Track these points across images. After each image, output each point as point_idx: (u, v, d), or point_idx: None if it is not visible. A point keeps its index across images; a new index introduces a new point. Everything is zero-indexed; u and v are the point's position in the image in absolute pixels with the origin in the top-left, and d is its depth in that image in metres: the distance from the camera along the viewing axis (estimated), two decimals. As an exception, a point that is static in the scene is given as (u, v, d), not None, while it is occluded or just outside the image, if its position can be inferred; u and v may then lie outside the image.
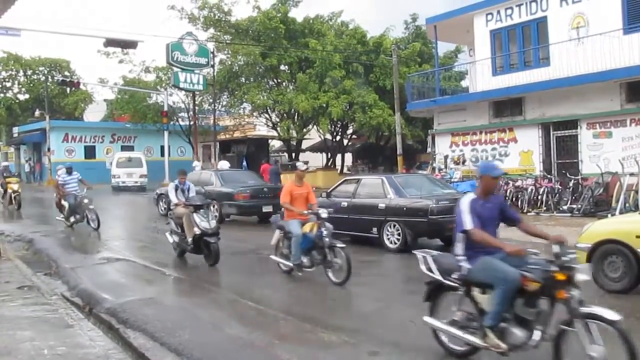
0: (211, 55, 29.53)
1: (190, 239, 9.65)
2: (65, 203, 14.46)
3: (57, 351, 5.26)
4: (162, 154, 33.02)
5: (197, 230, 9.39)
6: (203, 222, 9.37)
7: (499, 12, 19.34)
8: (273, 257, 8.90)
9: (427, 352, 5.30)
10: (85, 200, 13.96)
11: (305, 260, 8.21)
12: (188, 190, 10.65)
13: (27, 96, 48.23)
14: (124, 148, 40.91)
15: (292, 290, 7.88)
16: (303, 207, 8.52)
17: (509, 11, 19.04)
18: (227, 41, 31.00)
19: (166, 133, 30.95)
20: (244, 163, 30.14)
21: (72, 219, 14.26)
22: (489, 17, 19.66)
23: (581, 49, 16.44)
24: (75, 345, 5.45)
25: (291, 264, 8.40)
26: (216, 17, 30.37)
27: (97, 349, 5.39)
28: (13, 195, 19.43)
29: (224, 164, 29.84)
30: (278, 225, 8.74)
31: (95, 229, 13.89)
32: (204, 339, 5.69)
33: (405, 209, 10.54)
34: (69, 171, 14.89)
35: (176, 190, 10.44)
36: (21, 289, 7.87)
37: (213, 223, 9.47)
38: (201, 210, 9.57)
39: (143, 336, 5.83)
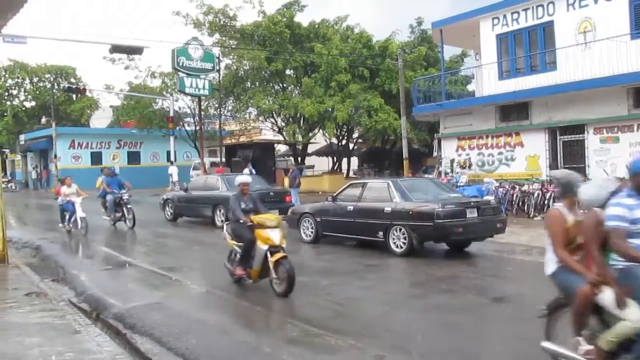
0: (217, 60, 29.63)
1: None
2: None
3: (65, 357, 5.27)
4: (168, 159, 33.13)
5: None
6: None
7: (505, 16, 19.32)
8: None
9: (432, 356, 5.28)
10: None
11: None
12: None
13: (33, 103, 48.47)
14: (130, 154, 41.33)
15: (298, 294, 7.85)
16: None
17: (515, 15, 19.01)
18: (233, 46, 31.11)
19: (172, 138, 31.06)
20: (250, 167, 30.16)
21: None
22: (495, 21, 19.65)
23: (588, 53, 16.40)
24: (83, 351, 5.46)
25: None
26: (221, 22, 30.50)
27: (104, 355, 5.40)
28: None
29: (174, 169, 29.83)
30: None
31: None
32: (210, 344, 5.69)
33: (411, 213, 10.50)
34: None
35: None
36: (29, 295, 7.89)
37: None
38: None
39: (150, 341, 5.84)
